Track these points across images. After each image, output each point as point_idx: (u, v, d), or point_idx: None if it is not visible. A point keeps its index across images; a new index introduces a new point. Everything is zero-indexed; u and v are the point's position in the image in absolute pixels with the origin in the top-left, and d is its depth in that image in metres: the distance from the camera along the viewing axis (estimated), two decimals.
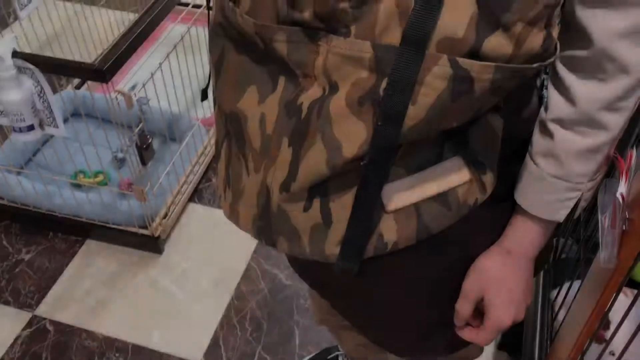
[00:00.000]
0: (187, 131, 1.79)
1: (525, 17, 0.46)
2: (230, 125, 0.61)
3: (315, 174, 0.54)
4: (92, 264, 1.62)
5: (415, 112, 0.49)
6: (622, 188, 0.59)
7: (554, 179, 0.58)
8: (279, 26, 0.52)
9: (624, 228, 0.62)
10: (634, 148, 0.63)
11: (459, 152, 0.56)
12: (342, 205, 0.56)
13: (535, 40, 0.48)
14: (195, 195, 1.77)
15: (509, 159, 0.60)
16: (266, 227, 0.61)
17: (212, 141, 1.85)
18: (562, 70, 0.55)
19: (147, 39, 1.39)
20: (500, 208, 0.63)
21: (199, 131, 1.80)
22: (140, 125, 1.41)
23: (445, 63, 0.47)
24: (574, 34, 0.52)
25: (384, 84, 0.49)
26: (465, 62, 0.47)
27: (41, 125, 1.36)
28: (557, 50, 0.51)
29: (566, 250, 1.02)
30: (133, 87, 2.00)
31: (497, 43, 0.47)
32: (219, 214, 1.72)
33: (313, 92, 0.53)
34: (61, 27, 2.11)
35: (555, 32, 0.50)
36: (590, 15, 0.50)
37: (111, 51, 1.26)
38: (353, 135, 0.51)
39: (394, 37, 0.48)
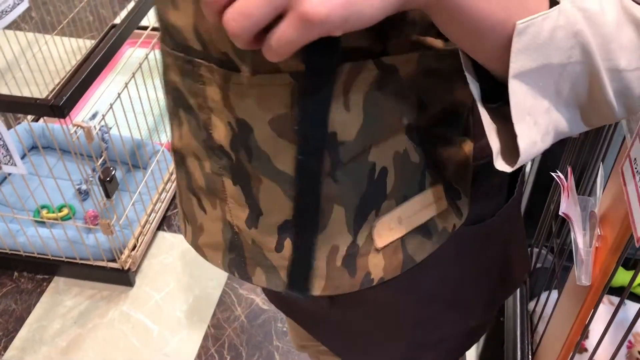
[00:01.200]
0: (151, 158, 1.75)
1: None
2: (179, 161, 0.58)
3: (280, 209, 0.52)
4: (60, 302, 1.56)
5: (346, 128, 0.47)
6: (563, 207, 0.59)
7: None
8: (171, 51, 0.48)
9: (596, 245, 0.62)
10: (602, 163, 0.63)
11: (438, 181, 0.55)
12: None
13: None
14: (164, 223, 1.73)
15: (480, 179, 0.59)
16: (239, 259, 0.59)
17: None
18: None
19: (105, 68, 1.36)
20: (474, 229, 0.62)
21: (163, 157, 1.76)
22: (102, 158, 1.37)
23: (372, 67, 0.45)
24: None
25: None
26: (388, 59, 0.44)
27: None
28: None
29: (541, 260, 1.03)
30: (93, 117, 1.95)
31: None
32: None
33: (222, 131, 0.49)
34: (14, 58, 2.05)
35: None
36: None
37: (68, 84, 1.22)
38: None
39: (294, 64, 0.43)
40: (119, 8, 2.40)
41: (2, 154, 1.29)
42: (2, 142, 1.27)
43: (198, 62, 0.47)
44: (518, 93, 0.40)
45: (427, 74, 0.47)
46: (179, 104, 0.52)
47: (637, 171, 0.51)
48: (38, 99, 1.21)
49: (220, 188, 0.54)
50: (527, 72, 0.40)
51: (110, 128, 1.68)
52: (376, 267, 0.56)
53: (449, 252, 0.61)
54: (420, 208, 0.55)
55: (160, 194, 1.72)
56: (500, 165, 0.43)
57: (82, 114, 1.99)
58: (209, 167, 0.53)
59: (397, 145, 0.51)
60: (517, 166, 0.42)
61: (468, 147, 0.54)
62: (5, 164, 1.31)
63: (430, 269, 0.62)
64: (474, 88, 0.43)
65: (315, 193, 0.47)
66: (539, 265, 1.03)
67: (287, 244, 0.55)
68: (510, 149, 0.43)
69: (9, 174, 1.73)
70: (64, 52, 2.15)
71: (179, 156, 0.57)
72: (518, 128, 0.41)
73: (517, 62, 0.39)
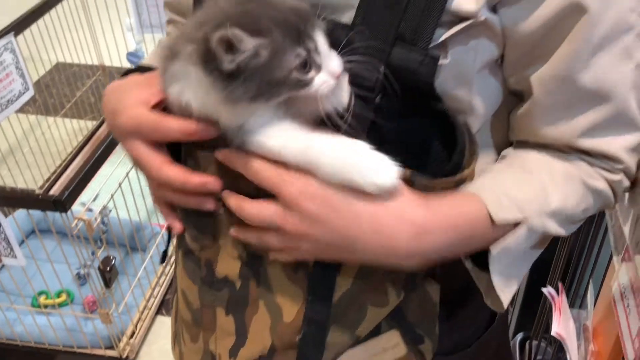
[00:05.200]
0: (150, 240, 1.76)
1: None
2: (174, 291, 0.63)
3: (260, 343, 0.54)
4: None
5: (340, 281, 0.50)
6: (555, 327, 0.60)
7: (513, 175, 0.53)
8: None
9: None
10: (591, 279, 0.65)
11: (396, 326, 0.55)
12: None
13: None
14: (163, 307, 1.72)
15: (454, 310, 0.60)
16: None
17: None
18: None
19: (107, 159, 1.39)
20: None
21: (162, 239, 1.77)
22: (102, 248, 1.38)
23: None
24: None
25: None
26: None
27: None
28: None
29: (541, 352, 1.03)
30: (95, 199, 1.97)
31: None
32: None
33: (229, 265, 0.53)
34: (16, 141, 2.09)
35: None
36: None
37: (70, 178, 1.25)
38: (291, 299, 0.52)
39: None
40: None
41: (3, 246, 1.30)
42: (3, 235, 1.29)
43: (221, 205, 0.51)
44: (500, 285, 0.51)
45: None
46: (180, 245, 0.57)
47: (625, 295, 0.52)
48: (41, 193, 1.24)
49: (209, 319, 0.56)
50: (504, 268, 0.51)
51: (110, 211, 1.70)
52: None
53: None
54: (374, 353, 0.56)
55: (159, 278, 1.72)
56: (490, 304, 0.54)
57: (80, 198, 2.01)
58: (198, 303, 0.57)
59: None
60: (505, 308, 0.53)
61: (433, 289, 0.56)
62: (5, 256, 1.32)
63: None
64: (468, 264, 0.54)
65: (320, 336, 0.51)
66: (539, 357, 1.03)
67: None
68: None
69: None
70: (65, 134, 2.20)
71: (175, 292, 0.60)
72: (502, 295, 0.51)
73: (494, 265, 0.51)
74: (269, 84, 0.42)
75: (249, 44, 0.40)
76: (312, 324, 0.51)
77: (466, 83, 0.50)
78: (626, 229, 0.58)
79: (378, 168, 0.43)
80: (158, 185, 0.53)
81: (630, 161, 0.53)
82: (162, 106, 0.50)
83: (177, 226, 0.56)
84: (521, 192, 0.51)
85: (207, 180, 0.49)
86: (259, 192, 0.47)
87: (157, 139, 0.50)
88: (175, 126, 0.48)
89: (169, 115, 0.49)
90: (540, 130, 0.53)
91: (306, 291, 0.51)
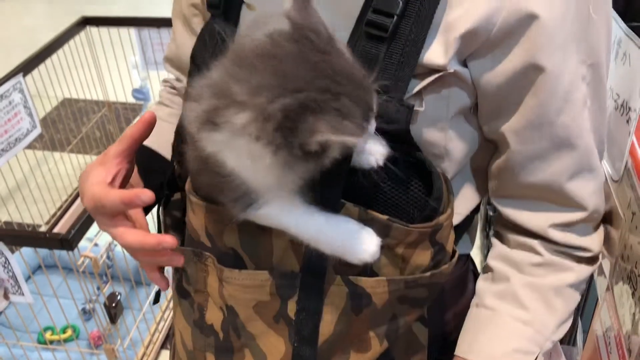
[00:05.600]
0: None
1: (404, 241, 0.51)
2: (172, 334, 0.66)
3: None
4: None
5: (322, 329, 0.52)
6: None
7: (515, 322, 0.58)
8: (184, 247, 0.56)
9: None
10: (580, 319, 0.67)
11: None
12: None
13: (421, 257, 0.52)
14: (168, 342, 1.73)
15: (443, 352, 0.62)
16: None
17: None
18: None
19: None
20: None
21: (168, 272, 1.79)
22: (107, 285, 1.41)
23: (340, 282, 0.51)
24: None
25: (291, 307, 0.52)
26: (357, 279, 0.51)
27: (5, 295, 1.34)
28: (454, 257, 0.55)
29: None
30: (97, 234, 2.00)
31: (384, 262, 0.51)
32: None
33: (214, 314, 0.56)
34: (23, 177, 2.13)
35: (449, 244, 0.54)
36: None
37: (77, 216, 1.28)
38: (275, 348, 0.54)
39: (291, 264, 0.52)
40: (125, 124, 2.52)
41: (11, 284, 1.33)
42: (11, 274, 1.31)
43: (206, 254, 0.53)
44: None
45: (403, 301, 0.53)
46: (177, 285, 0.59)
47: (609, 343, 0.55)
48: (48, 232, 1.27)
49: None
50: None
51: (115, 246, 1.72)
52: None
53: None
54: None
55: (164, 312, 1.74)
56: None
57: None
58: (191, 346, 0.59)
59: None
60: None
61: (421, 332, 0.58)
62: (13, 293, 1.35)
63: None
64: None
65: None
66: None
67: None
68: None
69: None
70: (71, 169, 2.24)
71: (173, 330, 0.63)
72: None
73: None
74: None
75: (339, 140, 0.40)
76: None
77: (441, 129, 0.54)
78: (605, 265, 0.60)
79: (361, 246, 0.49)
80: (130, 252, 0.56)
81: (599, 205, 0.57)
82: (120, 180, 0.54)
83: (162, 285, 0.59)
84: (526, 339, 0.56)
85: (162, 239, 0.52)
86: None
87: (110, 212, 0.53)
88: (117, 197, 0.51)
89: (113, 189, 0.52)
90: (518, 179, 0.56)
91: (288, 339, 0.53)
